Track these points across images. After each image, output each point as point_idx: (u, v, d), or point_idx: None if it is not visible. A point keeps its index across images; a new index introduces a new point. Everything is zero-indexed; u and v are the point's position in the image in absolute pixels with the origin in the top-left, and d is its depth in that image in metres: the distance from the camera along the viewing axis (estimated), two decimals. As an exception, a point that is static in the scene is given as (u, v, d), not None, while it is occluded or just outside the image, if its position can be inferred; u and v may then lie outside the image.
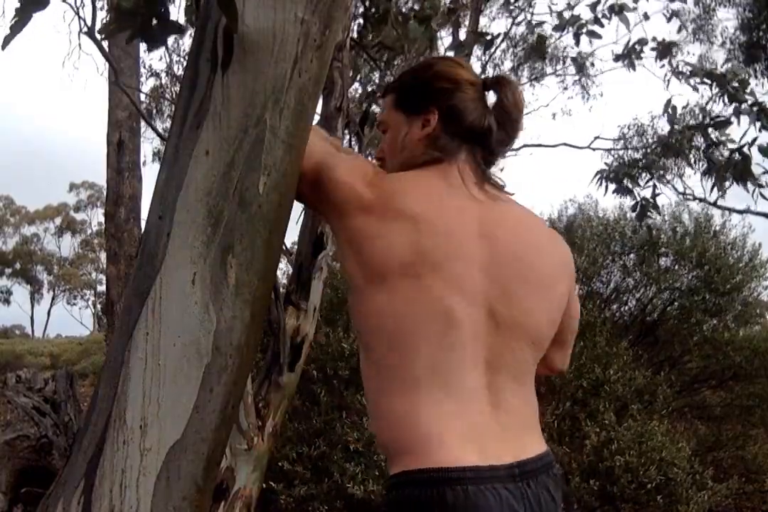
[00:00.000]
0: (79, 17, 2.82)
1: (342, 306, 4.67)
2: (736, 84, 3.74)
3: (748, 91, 3.77)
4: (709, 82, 3.88)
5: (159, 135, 6.84)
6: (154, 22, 1.46)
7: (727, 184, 3.97)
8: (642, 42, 4.04)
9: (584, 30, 4.03)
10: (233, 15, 1.09)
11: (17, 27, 1.22)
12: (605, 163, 4.29)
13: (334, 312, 4.72)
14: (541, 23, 5.09)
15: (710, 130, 3.97)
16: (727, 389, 5.85)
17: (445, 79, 1.24)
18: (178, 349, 1.10)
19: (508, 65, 10.57)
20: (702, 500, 3.79)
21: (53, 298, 36.02)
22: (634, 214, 4.28)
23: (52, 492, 1.15)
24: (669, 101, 3.99)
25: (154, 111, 10.74)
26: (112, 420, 1.09)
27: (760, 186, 3.84)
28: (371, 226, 1.10)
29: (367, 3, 2.97)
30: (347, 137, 2.86)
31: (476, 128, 1.21)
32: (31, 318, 35.87)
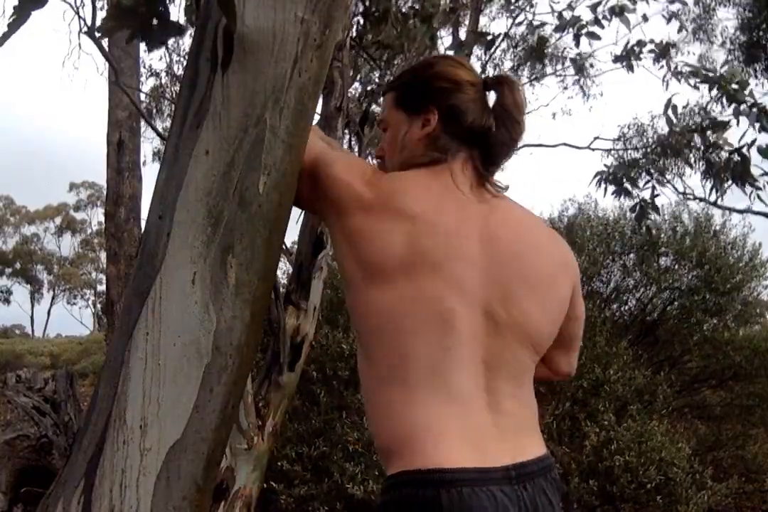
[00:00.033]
0: (79, 17, 2.82)
1: (342, 306, 4.67)
2: (735, 86, 3.74)
3: (747, 92, 3.77)
4: (708, 84, 3.89)
5: (159, 135, 6.83)
6: (154, 21, 1.46)
7: (726, 185, 3.97)
8: (641, 44, 4.04)
9: (584, 31, 4.03)
10: (232, 14, 1.09)
11: (15, 25, 1.22)
12: (604, 165, 4.29)
13: (334, 313, 4.72)
14: (542, 24, 5.08)
15: (708, 132, 3.97)
16: (727, 389, 5.85)
17: (446, 78, 1.23)
18: (178, 349, 1.10)
19: (508, 65, 10.57)
20: (702, 500, 3.79)
21: (53, 298, 36.07)
22: (633, 215, 4.28)
23: (52, 492, 1.15)
24: (669, 101, 3.98)
25: (154, 111, 10.73)
26: (112, 419, 1.09)
27: (758, 188, 3.84)
28: (370, 224, 1.10)
29: (367, 2, 2.97)
30: (347, 137, 2.86)
31: (476, 128, 1.21)
32: (31, 317, 35.91)
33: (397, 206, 1.10)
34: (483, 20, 10.10)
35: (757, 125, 3.67)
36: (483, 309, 1.09)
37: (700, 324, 5.92)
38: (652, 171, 4.37)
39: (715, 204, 6.76)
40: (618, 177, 4.16)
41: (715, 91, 3.84)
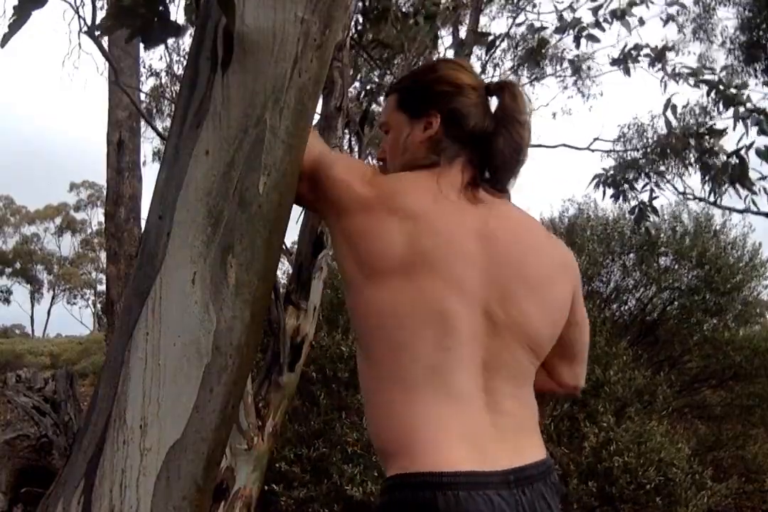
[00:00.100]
0: (79, 16, 2.82)
1: (342, 307, 4.67)
2: (733, 90, 3.75)
3: (744, 95, 3.78)
4: (707, 87, 3.90)
5: (159, 135, 6.84)
6: (155, 21, 1.46)
7: (723, 188, 3.98)
8: (637, 47, 4.05)
9: (584, 33, 4.03)
10: (232, 14, 1.09)
11: (16, 25, 1.22)
12: (603, 168, 4.30)
13: (335, 313, 4.72)
14: (542, 28, 5.08)
15: (705, 137, 3.98)
16: (727, 389, 5.85)
17: (448, 82, 1.24)
18: (178, 349, 1.10)
19: (508, 65, 10.57)
20: (701, 501, 3.79)
21: (53, 298, 36.08)
22: (633, 217, 4.28)
23: (52, 492, 1.14)
24: (668, 101, 3.99)
25: (154, 111, 10.73)
26: (112, 419, 1.09)
27: (754, 192, 3.85)
28: (370, 225, 1.10)
29: (366, 1, 2.97)
30: (347, 137, 2.86)
31: (478, 132, 1.21)
32: (31, 317, 35.92)
33: (397, 206, 1.10)
34: (483, 20, 10.11)
35: (755, 128, 3.68)
36: (482, 310, 1.09)
37: (700, 324, 5.92)
38: (651, 173, 4.38)
39: (715, 204, 6.76)
40: (616, 180, 4.16)
41: (713, 95, 3.85)
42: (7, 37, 1.23)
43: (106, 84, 7.26)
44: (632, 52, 4.06)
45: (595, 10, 3.98)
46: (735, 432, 5.30)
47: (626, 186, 4.16)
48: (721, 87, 3.79)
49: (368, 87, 3.66)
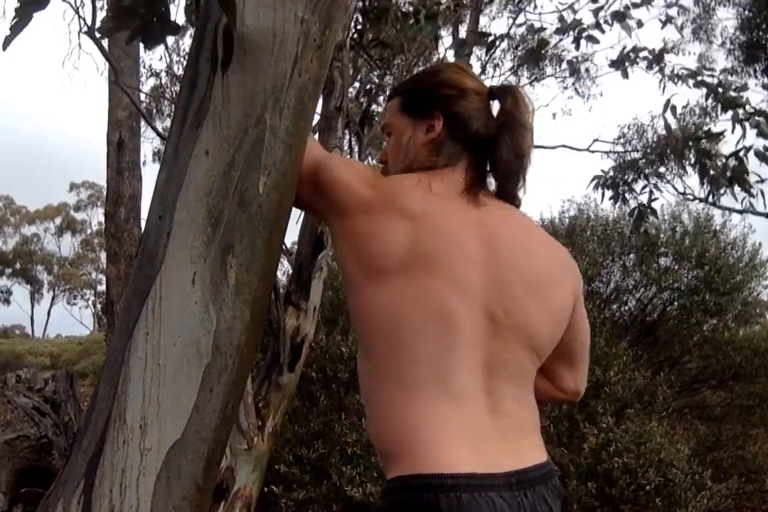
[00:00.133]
0: (80, 17, 2.82)
1: (342, 308, 4.67)
2: (732, 93, 3.76)
3: (744, 98, 3.78)
4: (706, 89, 3.91)
5: (159, 135, 6.84)
6: (155, 21, 1.46)
7: (721, 192, 3.99)
8: (635, 50, 4.06)
9: (584, 34, 4.04)
10: (233, 13, 1.09)
11: (17, 27, 1.22)
12: (601, 170, 4.30)
13: (335, 314, 4.71)
14: (542, 29, 5.09)
15: (703, 141, 3.99)
16: (727, 389, 5.85)
17: (451, 86, 1.25)
18: (178, 349, 1.10)
19: (508, 65, 10.57)
20: (701, 503, 3.79)
21: (53, 298, 36.06)
22: (632, 219, 4.28)
23: (52, 492, 1.15)
24: (668, 102, 3.99)
25: (154, 111, 10.73)
26: (112, 420, 1.09)
27: (752, 195, 3.86)
28: (371, 225, 1.10)
29: (366, 1, 2.97)
30: (347, 137, 2.86)
31: (480, 136, 1.22)
32: (31, 318, 35.91)
33: (397, 206, 1.11)
34: (483, 20, 10.12)
35: (754, 131, 3.68)
36: (483, 310, 1.09)
37: (700, 324, 5.91)
38: (650, 175, 4.38)
39: (715, 204, 6.76)
40: (615, 182, 4.17)
41: (711, 99, 3.87)
42: (8, 40, 1.23)
43: (106, 84, 7.27)
44: (630, 54, 4.06)
45: (596, 12, 3.99)
46: (735, 433, 5.29)
47: (625, 188, 4.17)
48: (720, 90, 3.80)
49: (368, 87, 3.65)
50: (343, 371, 4.12)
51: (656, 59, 4.02)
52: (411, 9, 3.13)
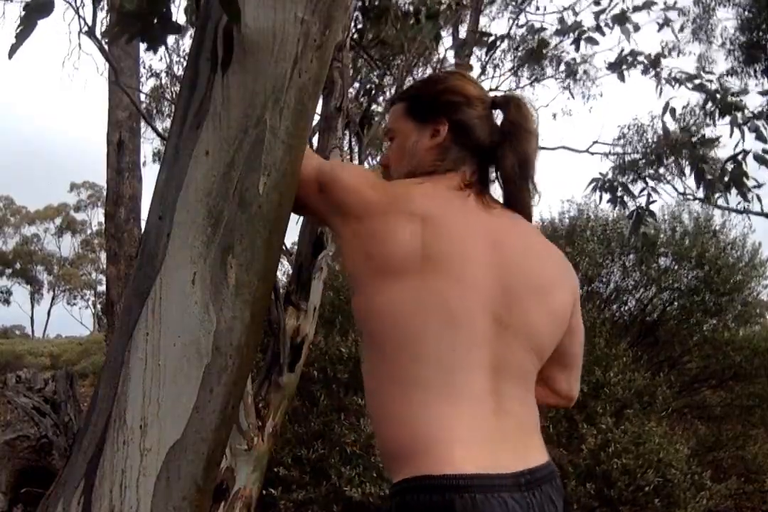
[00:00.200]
0: (80, 17, 2.81)
1: (342, 309, 4.67)
2: (731, 98, 3.77)
3: (743, 101, 3.80)
4: (705, 94, 3.92)
5: (159, 135, 6.84)
6: (156, 22, 1.46)
7: (718, 195, 4.01)
8: (633, 53, 4.07)
9: (584, 36, 4.05)
10: (236, 15, 1.09)
11: (23, 35, 1.23)
12: (600, 173, 4.31)
13: (335, 315, 4.71)
14: (542, 29, 5.10)
15: (698, 146, 4.01)
16: (727, 389, 5.84)
17: (457, 93, 1.26)
18: (178, 349, 1.10)
19: (508, 66, 10.57)
20: (700, 503, 3.79)
21: (53, 298, 36.05)
22: (631, 221, 4.30)
23: (52, 492, 1.15)
24: (667, 104, 4.01)
25: (154, 111, 10.72)
26: (112, 420, 1.09)
27: (747, 200, 3.87)
28: (379, 226, 1.10)
29: (366, 0, 2.97)
30: (347, 137, 2.86)
31: (484, 144, 1.24)
32: (31, 318, 35.90)
33: (408, 209, 1.11)
34: (483, 20, 10.11)
35: (751, 134, 3.70)
36: (489, 311, 1.10)
37: (700, 324, 5.91)
38: (648, 178, 4.39)
39: (714, 204, 6.76)
40: (613, 185, 4.18)
41: (710, 104, 3.88)
42: (14, 48, 1.24)
43: (106, 84, 7.26)
44: (628, 57, 4.08)
45: (597, 15, 4.00)
46: (735, 433, 5.29)
47: (623, 191, 4.18)
48: (719, 96, 3.81)
49: (368, 87, 3.66)
50: (343, 371, 4.12)
51: (652, 64, 4.04)
52: (411, 8, 3.14)
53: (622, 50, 4.09)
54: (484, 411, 1.06)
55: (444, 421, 1.03)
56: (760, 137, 3.71)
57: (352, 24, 2.93)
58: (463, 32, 9.28)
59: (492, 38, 4.85)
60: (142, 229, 1.38)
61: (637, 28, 3.96)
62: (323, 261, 2.67)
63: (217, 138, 1.13)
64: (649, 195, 4.18)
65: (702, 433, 5.26)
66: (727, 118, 3.81)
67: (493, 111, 1.28)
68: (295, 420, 4.16)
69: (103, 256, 29.91)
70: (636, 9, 3.95)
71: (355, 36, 3.02)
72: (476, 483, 0.99)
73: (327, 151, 2.69)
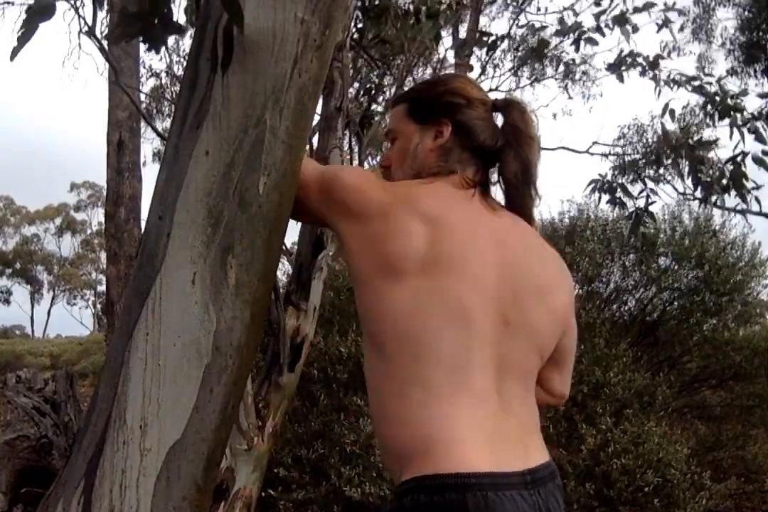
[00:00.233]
0: (80, 16, 2.81)
1: (342, 308, 4.67)
2: (730, 101, 3.78)
3: (743, 102, 3.81)
4: (704, 97, 3.93)
5: (159, 135, 6.84)
6: (156, 22, 1.46)
7: (715, 197, 4.02)
8: (632, 54, 4.08)
9: (584, 37, 4.06)
10: (239, 16, 1.09)
11: (24, 38, 1.24)
12: (599, 174, 4.32)
13: (334, 314, 4.71)
14: (543, 27, 5.11)
15: (696, 148, 4.02)
16: (727, 389, 5.84)
17: (459, 94, 1.26)
18: (178, 349, 1.10)
19: (508, 66, 10.57)
20: (700, 503, 3.78)
21: (53, 298, 36.05)
22: (630, 223, 4.31)
23: (52, 492, 1.15)
24: (666, 106, 4.02)
25: (154, 111, 10.72)
26: (112, 420, 1.09)
27: (745, 201, 3.88)
28: (390, 227, 1.10)
29: (366, 0, 2.97)
30: (347, 137, 2.86)
31: (486, 147, 1.24)
32: (31, 318, 35.90)
33: (413, 208, 1.12)
34: (483, 20, 10.12)
35: (750, 136, 3.71)
36: (497, 310, 1.11)
37: (700, 324, 5.91)
38: (647, 178, 4.40)
39: (714, 204, 6.75)
40: (612, 186, 4.19)
41: (709, 106, 3.89)
42: (16, 51, 1.24)
43: (106, 84, 7.26)
44: (627, 58, 4.08)
45: (597, 16, 4.00)
46: (735, 433, 5.29)
47: (621, 192, 4.19)
48: (718, 98, 3.82)
49: (368, 86, 3.66)
50: (343, 371, 4.12)
51: (651, 66, 4.05)
52: (411, 8, 3.14)
53: (621, 51, 4.10)
54: (487, 410, 1.07)
55: (456, 421, 1.04)
56: (759, 138, 3.72)
57: (352, 24, 2.93)
58: (463, 32, 9.30)
59: (493, 38, 4.85)
60: (142, 229, 1.38)
61: (636, 29, 3.97)
62: (323, 261, 2.67)
63: (217, 138, 1.13)
64: (648, 196, 4.19)
65: (702, 433, 5.26)
66: (727, 120, 3.82)
67: (494, 113, 1.29)
68: (295, 420, 4.15)
69: (103, 256, 29.92)
70: (636, 10, 3.96)
71: (355, 36, 3.02)
72: (487, 481, 0.99)
73: (327, 151, 2.69)
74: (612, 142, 9.58)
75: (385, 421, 1.10)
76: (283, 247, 2.18)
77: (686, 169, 4.12)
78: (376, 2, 2.95)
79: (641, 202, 4.19)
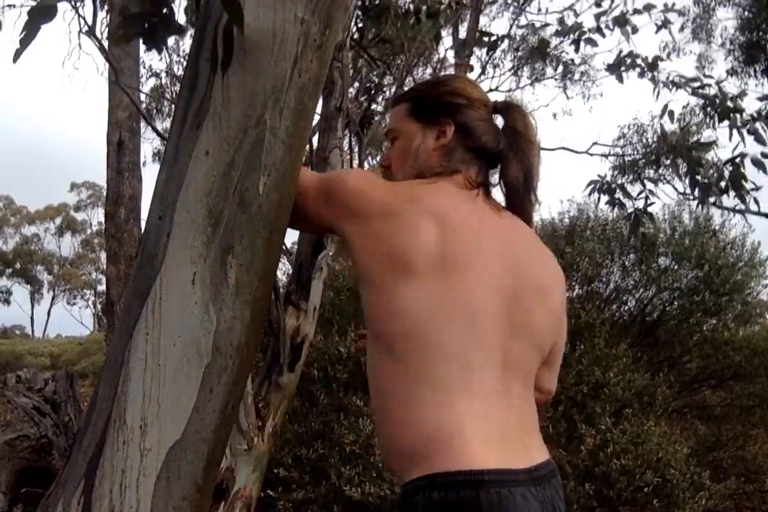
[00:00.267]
0: (80, 16, 2.82)
1: (342, 308, 4.67)
2: (730, 103, 3.79)
3: (743, 103, 3.82)
4: (703, 100, 3.94)
5: (159, 135, 6.84)
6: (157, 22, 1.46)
7: (712, 199, 4.03)
8: (631, 55, 4.08)
9: (584, 37, 4.07)
10: (237, 13, 1.09)
11: (27, 39, 1.24)
12: (598, 175, 4.32)
13: (334, 314, 4.71)
14: (546, 25, 5.12)
15: (693, 151, 4.03)
16: (727, 389, 5.84)
17: (461, 95, 1.26)
18: (178, 349, 1.10)
19: (508, 66, 10.57)
20: (699, 503, 3.78)
21: (53, 298, 36.05)
22: (629, 224, 4.32)
23: (52, 492, 1.15)
24: (665, 107, 4.02)
25: (154, 111, 10.73)
26: (112, 420, 1.09)
27: (744, 202, 3.88)
28: (399, 227, 1.10)
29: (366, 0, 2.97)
30: (347, 137, 2.86)
31: (488, 148, 1.24)
32: (31, 318, 35.90)
33: (423, 208, 1.12)
34: (483, 20, 10.12)
35: (749, 137, 3.71)
36: (503, 311, 1.11)
37: (699, 324, 5.91)
38: (647, 179, 4.41)
39: (714, 204, 6.75)
40: (611, 187, 4.19)
41: (709, 109, 3.90)
42: (18, 53, 1.24)
43: (106, 84, 7.26)
44: (626, 59, 4.09)
45: (597, 16, 4.01)
46: (735, 433, 5.29)
47: (621, 193, 4.19)
48: (717, 101, 3.83)
49: (367, 85, 3.66)
50: (342, 371, 4.12)
51: (649, 67, 4.05)
52: (411, 7, 3.14)
53: (620, 52, 4.11)
54: (494, 409, 1.08)
55: (459, 420, 1.04)
56: (758, 139, 3.73)
57: (352, 24, 2.93)
58: (463, 32, 9.30)
59: (494, 38, 4.85)
60: (142, 229, 1.38)
61: (635, 30, 3.98)
62: (323, 261, 2.67)
63: (217, 138, 1.13)
64: (646, 197, 4.20)
65: (702, 433, 5.26)
66: (727, 122, 3.83)
67: (494, 115, 1.29)
68: (295, 420, 4.15)
69: (103, 255, 29.92)
70: (636, 12, 3.97)
71: (356, 36, 3.02)
72: (499, 478, 1.00)
73: (327, 151, 2.69)
74: (612, 142, 9.60)
75: (392, 421, 1.09)
76: (283, 247, 2.18)
77: (685, 170, 4.13)
78: (377, 2, 2.95)
79: (640, 204, 4.20)
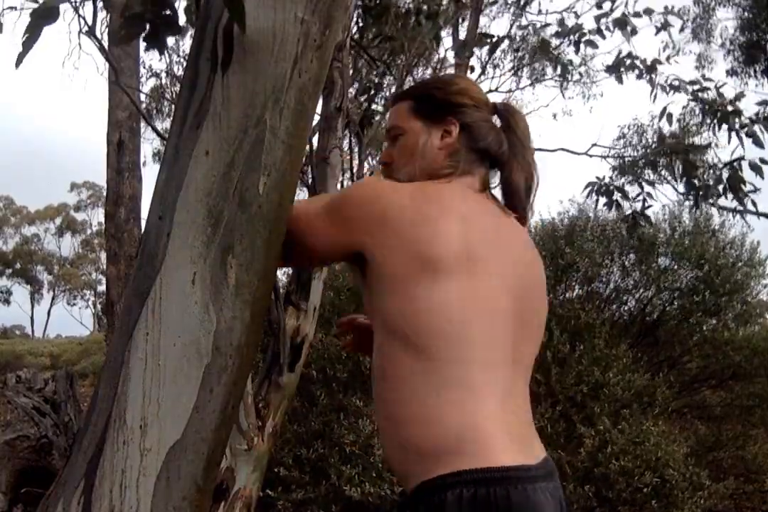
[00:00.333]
0: (80, 16, 2.81)
1: (342, 308, 4.66)
2: (730, 107, 3.80)
3: (741, 105, 3.83)
4: (701, 104, 3.95)
5: (159, 135, 6.83)
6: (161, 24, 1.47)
7: (710, 201, 4.04)
8: (630, 56, 4.09)
9: (584, 39, 4.08)
10: (238, 12, 1.09)
11: (29, 43, 1.24)
12: (596, 177, 4.33)
13: (335, 314, 4.70)
14: (547, 25, 5.13)
15: (689, 154, 4.05)
16: (727, 389, 5.85)
17: (466, 95, 1.27)
18: (178, 349, 1.10)
19: (508, 66, 10.56)
20: (698, 503, 3.78)
21: (53, 298, 36.03)
22: (626, 225, 4.34)
23: (52, 492, 1.15)
24: (665, 110, 4.02)
25: (154, 111, 10.73)
26: (112, 420, 1.09)
27: (742, 204, 3.90)
28: (427, 228, 1.09)
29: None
30: (347, 137, 2.86)
31: (490, 150, 1.25)
32: (31, 318, 35.88)
33: (448, 209, 1.12)
34: (483, 20, 10.10)
35: (747, 140, 3.72)
36: (517, 310, 1.12)
37: (699, 324, 5.91)
38: (644, 181, 4.42)
39: (714, 204, 6.76)
40: (609, 189, 4.21)
41: (708, 112, 3.91)
42: (21, 57, 1.24)
43: (106, 84, 7.25)
44: (625, 60, 4.10)
45: (598, 18, 4.02)
46: (735, 433, 5.29)
47: (619, 195, 4.21)
48: (716, 105, 3.84)
49: (367, 85, 3.66)
50: (342, 371, 4.12)
51: (648, 70, 4.07)
52: (412, 8, 3.14)
53: (620, 53, 4.12)
54: (509, 407, 1.09)
55: (490, 417, 1.05)
56: (756, 142, 3.74)
57: (353, 24, 2.94)
58: (463, 32, 9.29)
59: (495, 39, 4.85)
60: (142, 229, 1.38)
61: (634, 31, 3.99)
62: (323, 261, 2.67)
63: (217, 138, 1.13)
64: (644, 200, 4.21)
65: (702, 433, 5.26)
66: (725, 125, 3.84)
67: (494, 116, 1.30)
68: (295, 420, 4.15)
69: (103, 255, 29.90)
70: (636, 15, 3.97)
71: (356, 36, 3.03)
72: (524, 474, 1.02)
73: (327, 151, 2.69)
74: (612, 142, 9.60)
75: (411, 421, 1.07)
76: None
77: (681, 172, 4.15)
78: (377, 1, 2.95)
79: (638, 206, 4.22)
